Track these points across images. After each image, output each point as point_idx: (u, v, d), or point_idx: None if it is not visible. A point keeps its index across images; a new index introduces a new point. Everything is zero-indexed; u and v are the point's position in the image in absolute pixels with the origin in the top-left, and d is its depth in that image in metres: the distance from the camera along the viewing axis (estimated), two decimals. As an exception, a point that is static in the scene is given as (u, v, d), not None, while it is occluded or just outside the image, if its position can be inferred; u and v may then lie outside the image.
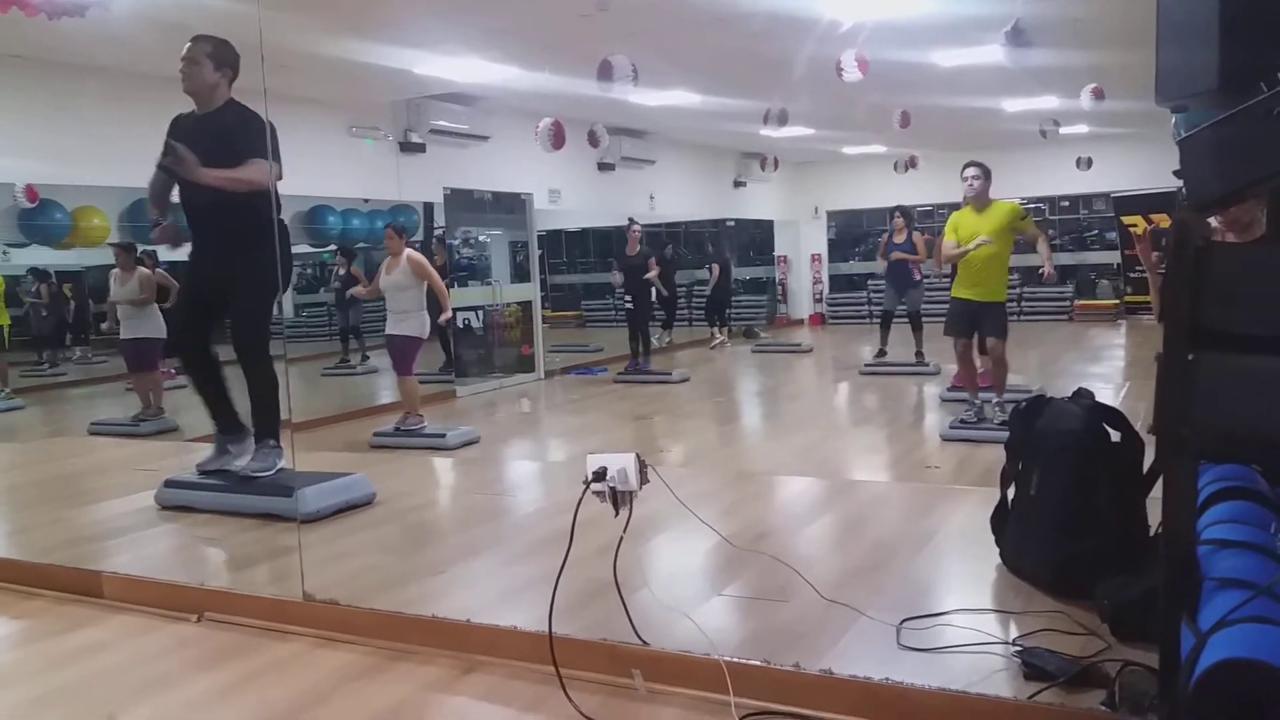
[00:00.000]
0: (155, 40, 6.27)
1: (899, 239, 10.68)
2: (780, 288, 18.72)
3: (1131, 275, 15.23)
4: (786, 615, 2.81)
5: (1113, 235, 15.95)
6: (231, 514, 4.24)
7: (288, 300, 13.94)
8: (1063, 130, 11.99)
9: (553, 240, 18.97)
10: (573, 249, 20.25)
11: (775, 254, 18.76)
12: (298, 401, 7.67)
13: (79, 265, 13.68)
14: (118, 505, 4.61)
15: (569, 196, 12.04)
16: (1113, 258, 16.13)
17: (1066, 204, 16.91)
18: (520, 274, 12.06)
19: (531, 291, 11.76)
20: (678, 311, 15.87)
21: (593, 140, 10.27)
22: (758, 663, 2.46)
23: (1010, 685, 2.28)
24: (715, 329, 15.01)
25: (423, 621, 2.92)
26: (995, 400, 6.75)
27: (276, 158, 4.05)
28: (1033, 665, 2.30)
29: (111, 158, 7.22)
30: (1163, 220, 13.17)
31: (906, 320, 10.61)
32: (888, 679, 2.33)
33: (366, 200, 10.95)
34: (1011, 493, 3.12)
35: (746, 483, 5.03)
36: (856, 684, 2.35)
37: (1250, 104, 1.73)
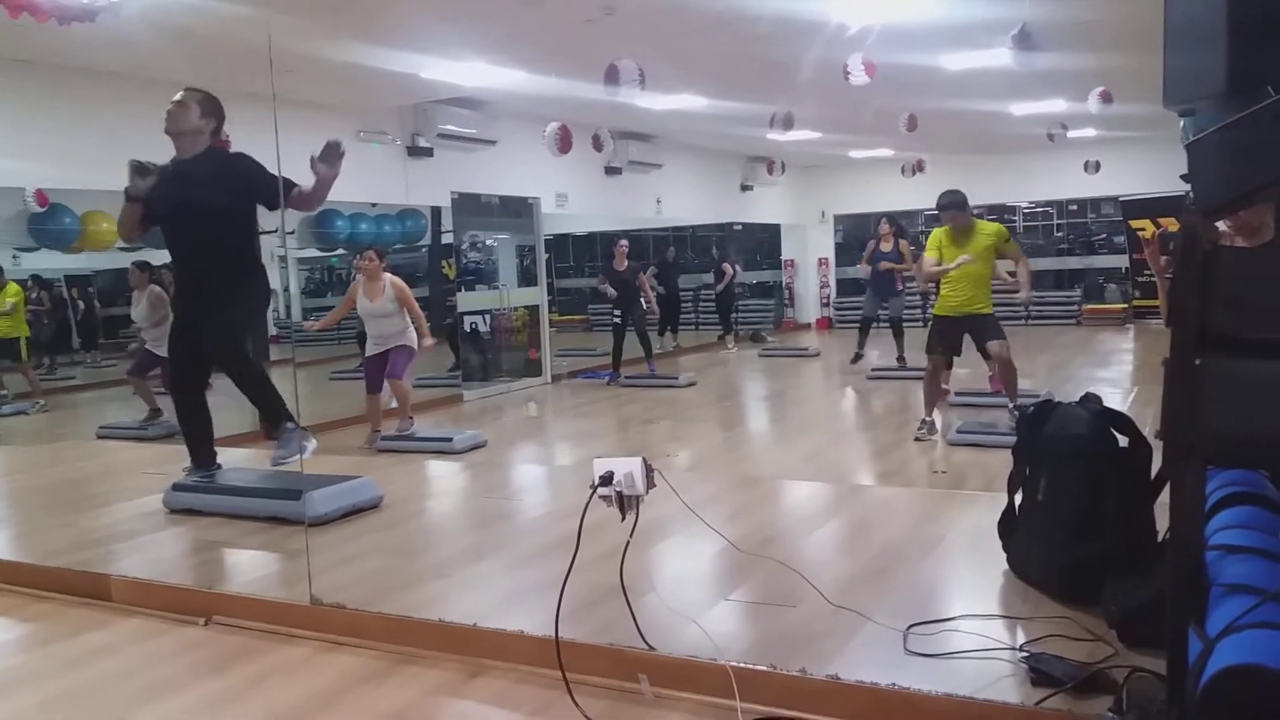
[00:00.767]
0: (164, 45, 6.31)
1: (885, 247, 10.74)
2: (787, 292, 18.70)
3: (1140, 279, 15.19)
4: (793, 620, 2.81)
5: (1121, 239, 15.91)
6: (239, 517, 4.26)
7: (295, 304, 13.98)
8: (1070, 134, 11.97)
9: (560, 244, 18.98)
10: (580, 253, 20.26)
11: (782, 258, 18.75)
12: (305, 405, 7.69)
13: (89, 269, 13.76)
14: (126, 509, 4.63)
15: (576, 200, 12.05)
16: (1121, 262, 16.09)
17: (1075, 208, 16.87)
18: (527, 278, 12.07)
19: (538, 295, 11.76)
20: (683, 315, 15.91)
21: (596, 145, 10.28)
22: (764, 668, 2.46)
23: (1017, 691, 2.27)
24: (726, 335, 15.05)
25: (429, 626, 2.93)
26: (1010, 405, 6.76)
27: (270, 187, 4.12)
28: (1040, 671, 2.29)
29: (121, 162, 7.15)
30: (1171, 224, 13.15)
31: (889, 326, 10.69)
32: (894, 684, 2.32)
33: (374, 204, 10.98)
34: (1019, 498, 3.10)
35: (753, 487, 5.03)
36: (863, 689, 2.34)
37: (1258, 107, 1.73)
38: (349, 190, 9.63)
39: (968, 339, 6.79)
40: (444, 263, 11.77)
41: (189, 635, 3.18)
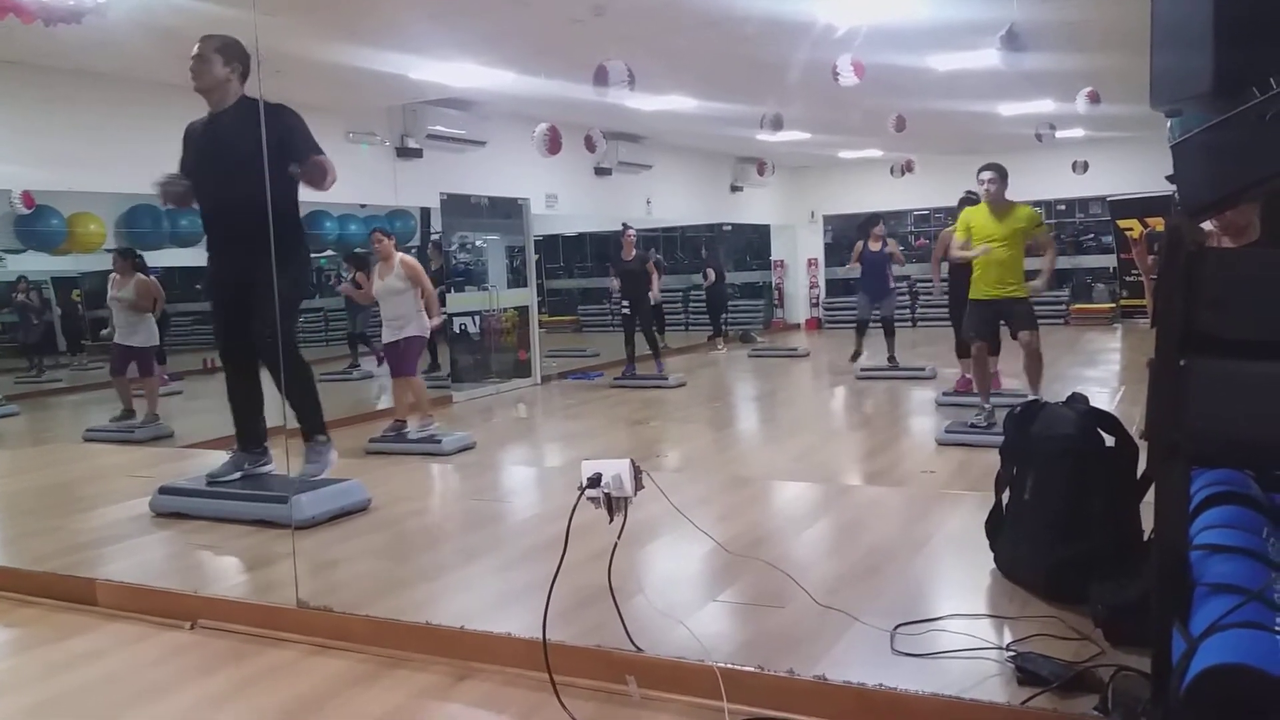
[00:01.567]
0: (151, 46, 6.28)
1: (875, 247, 10.75)
2: (777, 292, 18.72)
3: (1127, 279, 15.25)
4: (781, 621, 2.81)
5: (1109, 239, 15.98)
6: (226, 521, 4.23)
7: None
8: (1059, 134, 12.00)
9: (549, 245, 18.97)
10: (570, 254, 20.25)
11: (772, 258, 18.77)
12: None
13: (75, 271, 13.68)
14: (112, 512, 4.60)
15: (566, 201, 12.04)
16: (1109, 261, 16.16)
17: (1063, 208, 16.93)
18: (517, 279, 12.05)
19: (528, 296, 11.75)
20: (674, 316, 15.92)
21: (588, 145, 10.27)
22: (752, 669, 2.46)
23: (1004, 690, 2.27)
24: (716, 337, 15.05)
25: (417, 628, 2.92)
26: (1031, 395, 6.69)
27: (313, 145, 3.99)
28: (1026, 670, 2.30)
29: (108, 164, 7.22)
30: (1159, 224, 13.23)
31: (880, 325, 10.70)
32: (882, 685, 2.33)
33: (363, 206, 10.95)
34: (1006, 498, 3.11)
35: (742, 488, 5.03)
36: (850, 690, 2.34)
37: (1244, 108, 1.73)
38: (338, 191, 9.58)
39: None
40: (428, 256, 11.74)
41: (175, 639, 3.16)
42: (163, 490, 4.50)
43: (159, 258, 10.10)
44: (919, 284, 16.34)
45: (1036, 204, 16.69)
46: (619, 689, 2.54)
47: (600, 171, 12.42)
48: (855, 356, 10.92)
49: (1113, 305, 16.01)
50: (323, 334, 14.53)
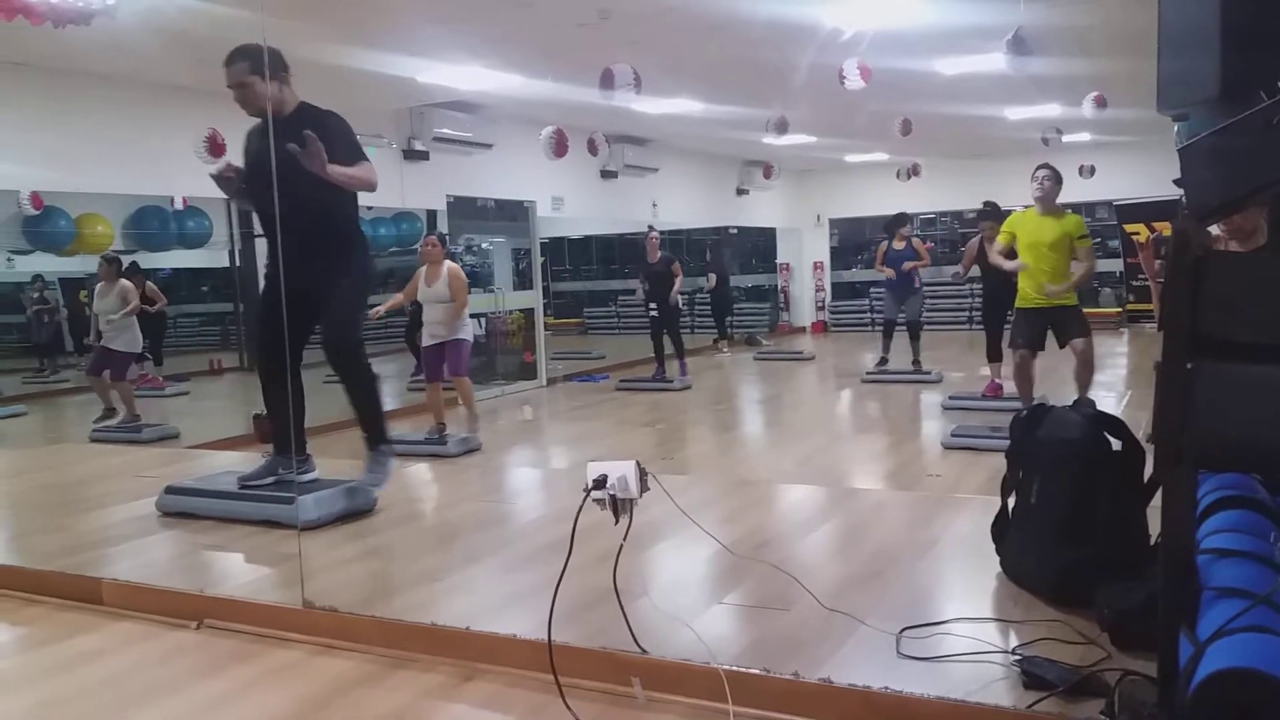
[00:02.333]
0: (160, 48, 6.31)
1: (899, 246, 10.65)
2: (782, 295, 18.72)
3: (1134, 283, 15.22)
4: (786, 624, 2.81)
5: (1115, 243, 15.94)
6: (232, 521, 4.24)
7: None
8: (1065, 138, 11.99)
9: (555, 248, 18.99)
10: (576, 256, 20.27)
11: (778, 262, 18.77)
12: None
13: (83, 272, 13.74)
14: (118, 512, 4.61)
15: (572, 204, 12.05)
16: (1115, 266, 16.12)
17: (1069, 212, 16.90)
18: (523, 281, 12.07)
19: (534, 299, 11.77)
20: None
21: (591, 149, 10.28)
22: (757, 671, 2.46)
23: (1010, 694, 2.27)
24: (720, 340, 15.05)
25: (422, 629, 2.92)
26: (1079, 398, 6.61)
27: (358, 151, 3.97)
28: (1032, 674, 2.29)
29: (116, 165, 7.24)
30: (1165, 228, 13.16)
31: (905, 328, 10.60)
32: (887, 688, 2.32)
33: (370, 208, 10.97)
34: (1012, 501, 3.11)
35: (747, 490, 5.03)
36: (856, 693, 2.34)
37: (1251, 113, 1.73)
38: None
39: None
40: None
41: (181, 639, 3.16)
42: (169, 490, 4.51)
43: (166, 259, 10.14)
44: (924, 287, 16.30)
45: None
46: (624, 691, 2.54)
47: (606, 174, 12.43)
48: (882, 362, 10.78)
49: (1119, 310, 15.98)
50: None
